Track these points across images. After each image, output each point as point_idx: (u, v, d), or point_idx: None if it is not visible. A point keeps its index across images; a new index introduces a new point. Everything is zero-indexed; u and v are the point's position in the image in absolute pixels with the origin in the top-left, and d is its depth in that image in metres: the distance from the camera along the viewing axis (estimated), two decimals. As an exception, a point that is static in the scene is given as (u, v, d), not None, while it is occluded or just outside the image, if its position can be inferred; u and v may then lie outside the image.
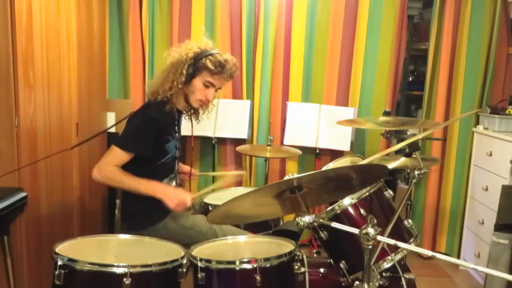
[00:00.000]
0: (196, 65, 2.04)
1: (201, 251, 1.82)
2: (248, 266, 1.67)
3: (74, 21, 2.47)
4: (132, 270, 1.57)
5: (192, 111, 2.22)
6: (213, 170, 3.39)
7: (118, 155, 1.97)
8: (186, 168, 2.45)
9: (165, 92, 2.05)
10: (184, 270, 1.72)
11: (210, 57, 2.05)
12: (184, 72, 2.04)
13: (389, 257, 1.85)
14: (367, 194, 1.92)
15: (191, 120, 2.25)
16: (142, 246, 1.86)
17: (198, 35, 3.30)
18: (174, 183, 2.20)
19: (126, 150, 1.97)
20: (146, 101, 2.18)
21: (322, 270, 2.04)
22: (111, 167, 1.96)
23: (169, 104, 2.07)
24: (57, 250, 1.65)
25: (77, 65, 2.52)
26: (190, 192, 2.04)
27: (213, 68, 2.04)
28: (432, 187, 3.47)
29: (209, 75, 2.07)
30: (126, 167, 2.01)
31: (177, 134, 2.17)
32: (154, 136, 2.02)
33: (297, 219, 1.44)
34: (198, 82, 2.07)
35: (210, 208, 2.31)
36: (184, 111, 2.22)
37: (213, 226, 2.06)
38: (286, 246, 1.86)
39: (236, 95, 3.43)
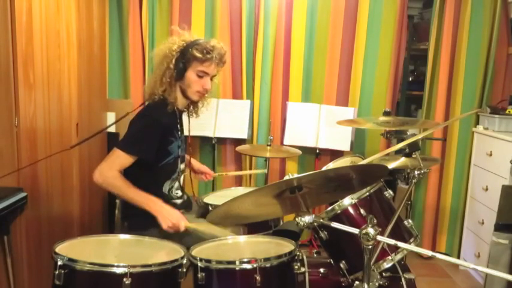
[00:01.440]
0: (184, 57, 2.03)
1: (201, 251, 1.82)
2: (248, 266, 1.66)
3: (74, 21, 2.47)
4: (132, 270, 1.57)
5: (191, 106, 2.22)
6: (213, 170, 3.38)
7: (120, 158, 1.96)
8: (204, 168, 2.46)
9: (159, 91, 2.04)
10: (184, 270, 1.72)
11: (196, 46, 2.03)
12: (171, 66, 2.02)
13: (390, 257, 1.85)
14: (367, 194, 1.92)
15: (188, 118, 2.25)
16: (142, 246, 1.86)
17: (198, 35, 3.30)
18: (176, 183, 2.20)
19: (129, 153, 1.96)
20: (145, 103, 2.18)
21: (322, 270, 2.04)
22: (113, 172, 1.94)
23: (169, 105, 2.07)
24: (57, 250, 1.65)
25: (77, 65, 2.52)
26: (186, 221, 1.95)
27: (200, 55, 2.02)
28: (432, 187, 3.47)
29: (199, 64, 2.04)
30: (128, 168, 2.00)
31: (179, 133, 2.17)
32: (158, 139, 2.02)
33: (297, 219, 1.44)
34: (191, 74, 2.06)
35: (210, 208, 2.31)
36: (185, 109, 2.22)
37: (216, 234, 2.05)
38: (286, 246, 1.86)
39: (236, 95, 3.43)
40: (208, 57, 2.03)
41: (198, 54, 2.02)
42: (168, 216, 1.92)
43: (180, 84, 2.07)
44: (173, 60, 2.03)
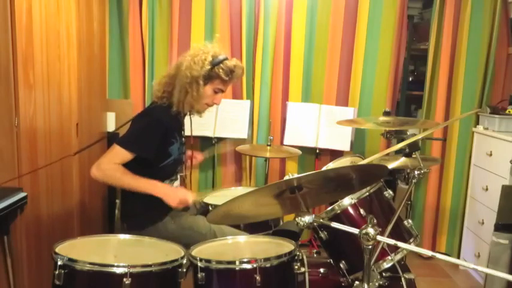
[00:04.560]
0: (208, 73, 2.04)
1: (201, 251, 1.82)
2: (248, 266, 1.67)
3: (74, 21, 2.47)
4: (132, 270, 1.58)
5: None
6: (213, 170, 3.39)
7: (120, 154, 1.97)
8: (189, 152, 2.43)
9: (178, 101, 2.05)
10: (184, 270, 1.73)
11: (221, 65, 2.05)
12: (200, 81, 2.03)
13: (389, 257, 1.85)
14: (367, 194, 1.92)
15: (190, 119, 2.25)
16: (142, 246, 1.86)
17: (198, 35, 3.31)
18: (175, 184, 2.19)
19: (129, 150, 1.96)
20: (152, 103, 2.17)
21: (322, 270, 2.04)
22: (112, 165, 1.95)
23: (175, 109, 2.07)
24: (57, 250, 1.65)
25: (77, 65, 2.52)
26: (191, 192, 2.04)
27: (225, 77, 2.06)
28: (432, 187, 3.47)
29: (221, 83, 2.09)
30: (128, 167, 2.00)
31: (181, 138, 2.17)
32: (159, 138, 2.02)
33: (297, 219, 1.44)
34: (208, 89, 2.08)
35: (210, 208, 2.31)
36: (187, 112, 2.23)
37: (213, 227, 2.06)
38: (286, 246, 1.86)
39: (236, 95, 3.43)
40: (231, 78, 2.09)
41: (223, 76, 2.06)
42: (175, 193, 1.98)
43: (194, 95, 2.07)
44: (201, 76, 2.03)
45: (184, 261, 1.73)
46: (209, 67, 2.03)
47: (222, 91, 2.13)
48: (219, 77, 2.06)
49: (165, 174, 2.13)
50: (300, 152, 3.13)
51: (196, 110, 2.14)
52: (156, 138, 2.02)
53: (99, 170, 1.95)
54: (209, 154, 2.71)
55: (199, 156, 2.51)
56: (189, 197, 1.99)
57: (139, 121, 2.08)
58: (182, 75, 2.04)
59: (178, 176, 2.24)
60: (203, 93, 2.07)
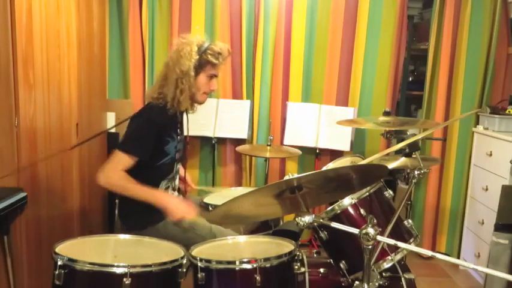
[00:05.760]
0: (199, 62, 2.05)
1: (201, 251, 1.82)
2: (248, 266, 1.67)
3: (74, 21, 2.47)
4: (132, 270, 1.57)
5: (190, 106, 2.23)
6: (213, 170, 3.39)
7: (123, 160, 1.98)
8: (187, 178, 2.46)
9: (174, 99, 2.05)
10: (184, 270, 1.72)
11: (209, 51, 2.06)
12: (191, 73, 2.04)
13: (389, 257, 1.85)
14: (367, 194, 1.92)
15: (187, 118, 2.25)
16: (142, 246, 1.86)
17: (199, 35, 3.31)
18: (173, 184, 2.20)
19: (130, 154, 1.98)
20: (147, 103, 2.18)
21: (322, 270, 2.04)
22: (118, 173, 1.96)
23: (172, 109, 2.08)
24: (57, 250, 1.65)
25: (77, 65, 2.52)
26: (195, 211, 2.03)
27: (215, 61, 2.07)
28: (432, 187, 3.47)
29: (212, 68, 2.10)
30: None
31: (178, 136, 2.17)
32: (153, 138, 2.03)
33: (297, 219, 1.44)
34: (203, 78, 2.10)
35: (210, 208, 2.31)
36: (185, 110, 2.22)
37: (213, 229, 2.06)
38: (286, 246, 1.86)
39: (236, 95, 3.43)
40: (220, 61, 2.10)
41: (213, 60, 2.07)
42: (176, 207, 1.98)
43: (191, 88, 2.07)
44: (192, 67, 2.03)
45: (184, 261, 1.73)
46: (197, 56, 2.04)
47: (216, 76, 2.14)
48: (209, 62, 2.07)
49: (163, 173, 2.14)
50: (300, 152, 3.13)
51: (197, 101, 2.15)
52: (151, 138, 2.03)
53: (105, 177, 1.97)
54: (201, 193, 2.70)
55: (193, 187, 2.53)
56: (190, 215, 1.99)
57: (134, 123, 2.09)
58: (173, 72, 2.06)
59: (177, 176, 2.25)
60: (199, 83, 2.08)
